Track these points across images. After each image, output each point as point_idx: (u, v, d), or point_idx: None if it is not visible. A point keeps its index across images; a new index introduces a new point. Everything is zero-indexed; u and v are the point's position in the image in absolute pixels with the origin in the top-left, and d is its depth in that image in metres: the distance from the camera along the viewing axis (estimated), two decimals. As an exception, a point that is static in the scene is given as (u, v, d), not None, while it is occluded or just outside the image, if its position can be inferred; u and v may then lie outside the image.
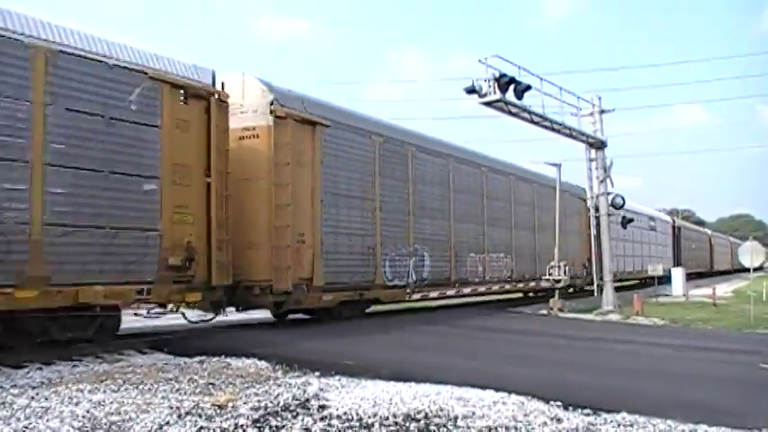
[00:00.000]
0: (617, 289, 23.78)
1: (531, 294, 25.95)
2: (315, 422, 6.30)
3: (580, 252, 29.65)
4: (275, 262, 14.05)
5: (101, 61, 11.07)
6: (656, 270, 35.05)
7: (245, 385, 8.03)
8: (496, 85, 17.62)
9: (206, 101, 12.88)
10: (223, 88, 13.39)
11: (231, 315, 14.86)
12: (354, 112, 17.64)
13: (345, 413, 6.63)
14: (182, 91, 12.45)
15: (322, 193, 15.42)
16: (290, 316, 16.23)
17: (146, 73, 11.75)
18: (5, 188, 9.74)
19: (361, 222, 16.75)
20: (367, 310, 17.72)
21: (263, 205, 14.21)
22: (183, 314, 13.34)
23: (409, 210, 18.47)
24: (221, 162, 13.04)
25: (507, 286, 23.57)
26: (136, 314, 13.54)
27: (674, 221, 54.97)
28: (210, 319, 13.87)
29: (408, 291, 18.12)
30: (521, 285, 23.85)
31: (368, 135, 17.24)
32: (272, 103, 14.36)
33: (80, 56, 10.78)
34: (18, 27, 10.13)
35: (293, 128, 14.71)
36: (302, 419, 6.38)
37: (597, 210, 23.36)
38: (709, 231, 75.56)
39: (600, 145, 23.06)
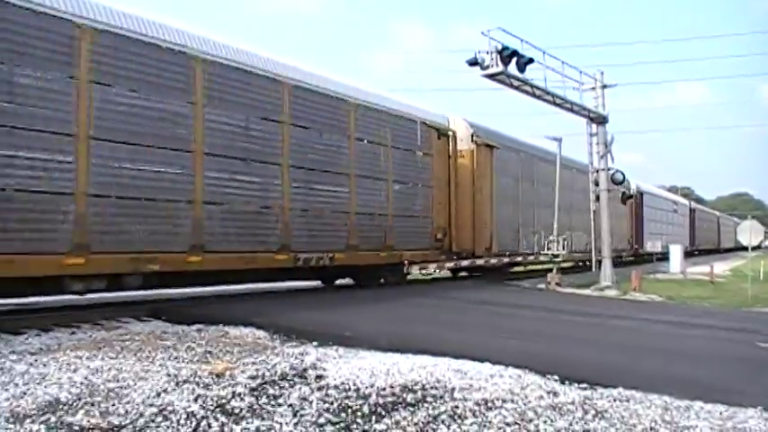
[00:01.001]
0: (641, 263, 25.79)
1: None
2: (312, 392, 6.31)
3: (625, 231, 37.38)
4: (475, 237, 21.70)
5: (408, 118, 18.81)
6: (655, 247, 35.13)
7: (243, 354, 8.04)
8: (499, 57, 17.53)
9: (447, 136, 20.80)
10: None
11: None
12: (510, 136, 25.07)
13: (343, 383, 6.64)
14: (437, 131, 20.12)
15: (495, 193, 22.66)
16: (461, 273, 23.93)
17: (425, 123, 19.50)
18: (383, 198, 17.79)
19: (512, 212, 24.41)
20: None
21: (468, 201, 21.51)
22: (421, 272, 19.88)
23: (534, 203, 25.40)
24: (454, 174, 20.93)
25: (579, 255, 29.47)
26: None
27: (690, 204, 61.58)
28: (430, 274, 20.52)
29: (533, 257, 24.91)
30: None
31: (516, 152, 24.96)
32: (473, 135, 21.74)
33: (407, 118, 18.80)
34: (341, 90, 16.58)
35: (483, 150, 22.11)
36: (299, 389, 6.40)
37: (597, 185, 23.29)
38: (717, 213, 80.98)
39: (601, 120, 22.96)
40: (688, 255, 46.35)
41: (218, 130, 13.09)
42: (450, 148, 20.83)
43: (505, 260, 23.31)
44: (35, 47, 10.26)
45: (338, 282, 18.77)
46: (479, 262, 21.75)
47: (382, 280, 18.50)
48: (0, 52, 9.85)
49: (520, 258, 24.67)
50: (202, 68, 12.82)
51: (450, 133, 20.90)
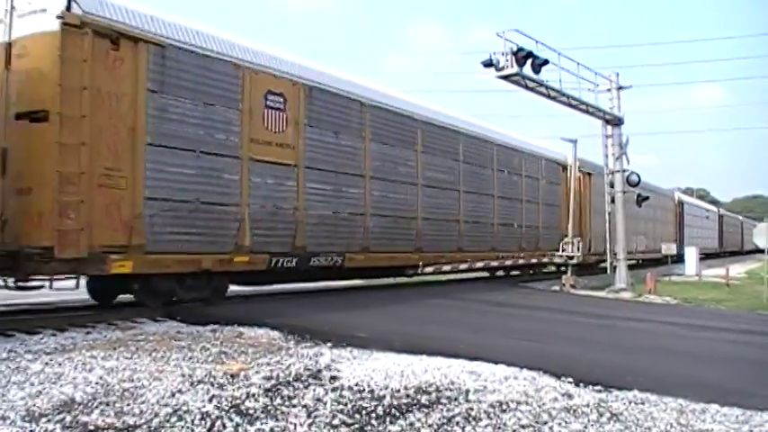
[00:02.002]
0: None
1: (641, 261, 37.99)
2: (326, 393, 6.32)
3: (672, 235, 44.81)
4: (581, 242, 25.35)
5: (547, 158, 26.11)
6: (670, 249, 34.88)
7: (258, 355, 8.06)
8: (514, 58, 17.40)
9: (566, 169, 26.75)
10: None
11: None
12: (599, 164, 26.78)
13: (357, 384, 6.64)
14: (561, 166, 26.90)
15: (591, 209, 28.26)
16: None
17: (556, 161, 26.65)
18: (537, 215, 25.23)
19: (602, 223, 26.47)
20: (380, 283, 19.78)
21: (576, 215, 25.91)
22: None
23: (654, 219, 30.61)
24: (570, 196, 25.20)
25: (640, 255, 36.62)
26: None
27: (718, 211, 69.44)
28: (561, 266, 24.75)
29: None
30: (650, 255, 37.91)
31: (602, 176, 26.57)
32: (579, 167, 26.37)
33: (546, 158, 26.13)
34: (518, 144, 24.27)
35: (585, 177, 28.39)
36: (314, 390, 6.41)
37: (612, 186, 23.20)
38: (740, 217, 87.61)
39: (617, 122, 22.84)
40: (717, 256, 58.08)
41: (470, 174, 20.85)
42: (567, 177, 26.69)
43: (595, 258, 28.24)
44: (347, 120, 15.72)
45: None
46: (591, 260, 27.39)
47: (531, 271, 25.71)
48: (331, 126, 15.16)
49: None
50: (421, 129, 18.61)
51: (568, 166, 26.58)
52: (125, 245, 10.85)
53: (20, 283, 10.34)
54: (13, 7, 10.67)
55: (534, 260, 24.67)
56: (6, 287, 10.46)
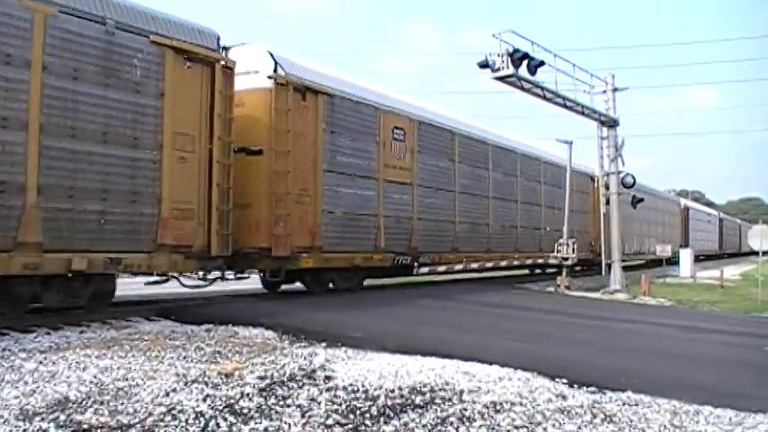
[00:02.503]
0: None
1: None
2: (321, 393, 6.32)
3: (678, 237, 48.85)
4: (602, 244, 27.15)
5: (580, 172, 28.56)
6: (665, 251, 34.97)
7: (252, 354, 8.05)
8: (510, 60, 17.41)
9: (593, 181, 29.49)
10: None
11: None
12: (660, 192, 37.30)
13: (351, 384, 6.64)
14: (590, 178, 29.69)
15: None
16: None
17: (586, 174, 29.71)
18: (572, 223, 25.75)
19: (654, 231, 36.35)
20: (376, 283, 19.63)
21: (599, 221, 27.59)
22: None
23: (631, 218, 31.47)
24: (596, 204, 28.07)
25: (652, 256, 39.01)
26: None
27: (719, 215, 74.05)
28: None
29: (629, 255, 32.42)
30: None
31: (664, 199, 37.97)
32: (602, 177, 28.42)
33: (579, 172, 28.19)
34: (537, 152, 26.22)
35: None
36: (308, 390, 6.40)
37: (607, 188, 23.23)
38: (738, 220, 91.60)
39: (612, 123, 22.87)
40: (717, 257, 62.69)
41: (524, 188, 24.71)
42: (594, 187, 29.79)
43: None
44: (443, 146, 19.51)
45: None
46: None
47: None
48: (433, 151, 18.93)
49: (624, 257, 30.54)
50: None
51: (595, 178, 29.35)
52: (309, 246, 14.45)
53: (239, 275, 14.30)
54: None
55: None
56: (223, 279, 13.34)
